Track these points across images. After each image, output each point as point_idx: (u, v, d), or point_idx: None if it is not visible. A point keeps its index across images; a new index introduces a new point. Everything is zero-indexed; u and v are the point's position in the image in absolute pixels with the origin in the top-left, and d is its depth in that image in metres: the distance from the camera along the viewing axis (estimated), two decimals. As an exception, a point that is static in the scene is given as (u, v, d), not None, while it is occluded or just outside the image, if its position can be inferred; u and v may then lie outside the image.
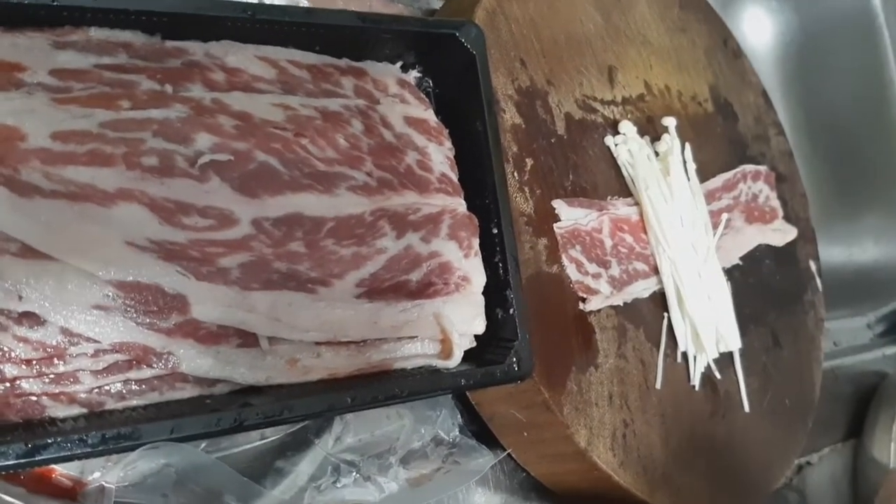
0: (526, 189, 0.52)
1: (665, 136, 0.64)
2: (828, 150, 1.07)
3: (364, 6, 0.58)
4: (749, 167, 0.74)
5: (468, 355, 0.45)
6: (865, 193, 1.08)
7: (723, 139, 0.74)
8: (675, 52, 0.71)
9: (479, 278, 0.46)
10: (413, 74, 0.49)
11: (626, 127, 0.62)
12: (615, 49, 0.64)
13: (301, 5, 0.50)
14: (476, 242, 0.46)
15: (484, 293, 0.46)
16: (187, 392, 0.38)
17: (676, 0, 0.74)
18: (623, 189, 0.60)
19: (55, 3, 0.36)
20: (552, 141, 0.56)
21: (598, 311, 0.55)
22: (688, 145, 0.65)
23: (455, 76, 0.48)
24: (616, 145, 0.61)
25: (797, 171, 0.86)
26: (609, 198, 0.58)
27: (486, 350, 0.46)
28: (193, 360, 0.37)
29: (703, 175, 0.68)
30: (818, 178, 1.06)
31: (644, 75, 0.66)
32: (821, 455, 0.88)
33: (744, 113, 0.78)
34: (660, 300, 0.60)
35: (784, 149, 0.84)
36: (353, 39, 0.45)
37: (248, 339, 0.39)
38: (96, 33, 0.39)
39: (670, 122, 0.65)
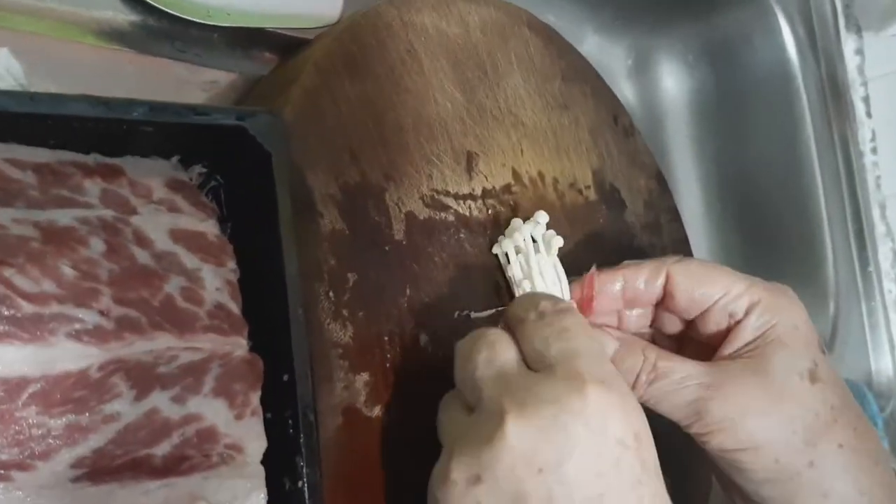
0: (345, 312, 0.42)
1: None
2: (740, 214, 1.02)
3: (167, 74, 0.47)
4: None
5: (244, 541, 0.35)
6: (778, 260, 1.03)
7: (606, 230, 0.65)
8: (553, 133, 0.62)
9: (255, 445, 0.35)
10: (197, 170, 0.39)
11: (517, 224, 0.53)
12: (478, 132, 0.55)
13: (22, 89, 0.39)
14: (255, 397, 0.36)
15: (268, 459, 0.36)
16: None
17: (559, 71, 0.65)
18: (483, 302, 0.51)
19: None
20: (386, 249, 0.46)
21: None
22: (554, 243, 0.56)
23: (248, 175, 0.38)
24: (506, 253, 0.52)
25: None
26: (457, 314, 0.49)
27: (267, 534, 0.36)
28: None
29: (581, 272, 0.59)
30: (728, 243, 1.01)
31: (512, 162, 0.57)
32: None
33: (633, 199, 0.70)
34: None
35: (679, 236, 0.76)
36: (102, 132, 0.35)
37: None
38: None
39: (541, 217, 0.56)
